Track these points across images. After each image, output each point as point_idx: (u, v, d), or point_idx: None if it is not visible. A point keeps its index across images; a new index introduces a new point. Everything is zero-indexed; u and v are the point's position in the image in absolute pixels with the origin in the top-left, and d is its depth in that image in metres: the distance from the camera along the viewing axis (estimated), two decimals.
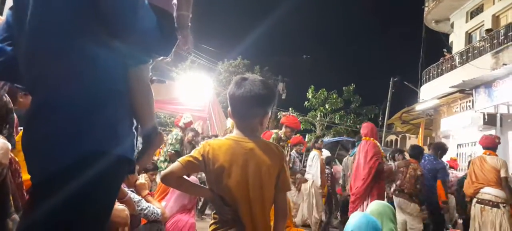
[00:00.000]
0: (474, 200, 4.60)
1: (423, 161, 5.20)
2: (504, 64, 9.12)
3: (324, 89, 21.58)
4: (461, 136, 12.22)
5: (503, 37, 10.75)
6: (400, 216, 4.52)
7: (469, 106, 11.10)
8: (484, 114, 10.50)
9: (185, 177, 1.70)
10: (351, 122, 21.66)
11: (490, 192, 4.48)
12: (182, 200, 3.09)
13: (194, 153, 1.58)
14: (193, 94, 9.76)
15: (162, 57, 1.33)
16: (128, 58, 1.14)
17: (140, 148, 1.26)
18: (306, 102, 21.64)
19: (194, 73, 14.93)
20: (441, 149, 5.55)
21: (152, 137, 1.29)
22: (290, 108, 21.35)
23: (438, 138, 13.72)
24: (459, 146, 12.41)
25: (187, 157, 1.57)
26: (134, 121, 1.18)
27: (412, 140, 19.53)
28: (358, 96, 21.89)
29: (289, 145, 5.20)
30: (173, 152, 5.63)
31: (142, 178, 3.04)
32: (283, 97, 21.05)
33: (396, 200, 4.74)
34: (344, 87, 21.77)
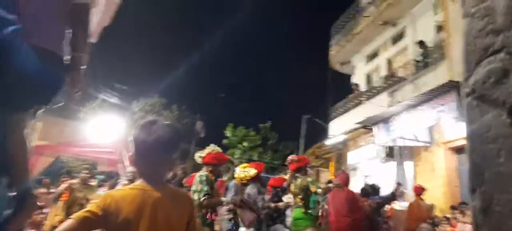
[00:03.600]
0: None
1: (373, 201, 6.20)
2: (398, 102, 10.28)
3: (243, 126, 21.94)
4: (366, 168, 13.30)
5: (396, 78, 12.21)
6: None
7: (372, 140, 12.18)
8: (385, 148, 11.62)
9: None
10: (269, 158, 22.20)
11: (425, 227, 6.30)
12: None
13: (91, 206, 1.36)
14: (103, 136, 9.14)
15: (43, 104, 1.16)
16: (1, 105, 0.96)
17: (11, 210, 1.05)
18: (224, 140, 21.69)
19: (105, 113, 14.09)
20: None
21: (25, 198, 1.09)
22: (211, 144, 21.15)
23: (347, 170, 14.74)
24: (365, 177, 13.47)
25: (82, 212, 1.35)
26: (5, 179, 0.98)
27: (325, 174, 20.66)
28: (274, 133, 22.65)
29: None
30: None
31: None
32: (202, 135, 20.83)
33: None
34: (261, 125, 22.38)
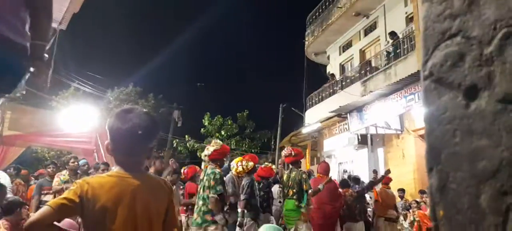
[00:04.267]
0: (382, 218, 6.80)
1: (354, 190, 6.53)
2: (371, 91, 10.51)
3: (220, 115, 21.83)
4: (341, 155, 13.59)
5: (368, 68, 12.46)
6: None
7: (346, 128, 12.43)
8: (358, 135, 11.89)
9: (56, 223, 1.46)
10: (247, 146, 22.23)
11: (392, 213, 6.90)
12: None
13: (68, 193, 1.33)
14: (77, 125, 8.91)
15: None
16: None
17: None
18: (202, 129, 21.54)
19: (79, 102, 13.76)
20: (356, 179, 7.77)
21: None
22: (186, 136, 20.98)
23: (322, 158, 15.02)
24: (340, 164, 13.78)
25: (59, 199, 1.33)
26: None
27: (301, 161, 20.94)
28: (251, 122, 22.67)
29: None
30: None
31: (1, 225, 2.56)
32: (179, 125, 20.59)
33: (345, 225, 5.85)
34: (238, 114, 22.34)
